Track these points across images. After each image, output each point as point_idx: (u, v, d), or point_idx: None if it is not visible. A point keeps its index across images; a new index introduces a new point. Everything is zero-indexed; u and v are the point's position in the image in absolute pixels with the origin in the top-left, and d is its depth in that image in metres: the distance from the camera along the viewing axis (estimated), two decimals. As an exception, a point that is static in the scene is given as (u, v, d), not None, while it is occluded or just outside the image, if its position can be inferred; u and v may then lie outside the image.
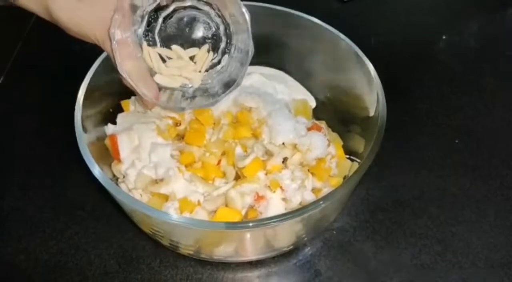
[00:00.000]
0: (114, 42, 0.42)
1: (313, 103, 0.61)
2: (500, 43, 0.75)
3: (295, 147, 0.50)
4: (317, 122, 0.55)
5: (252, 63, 0.61)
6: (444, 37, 0.76)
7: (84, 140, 0.44)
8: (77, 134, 0.44)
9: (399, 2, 0.83)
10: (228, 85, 0.47)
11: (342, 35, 0.53)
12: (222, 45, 0.47)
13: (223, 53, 0.48)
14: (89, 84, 0.48)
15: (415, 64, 0.72)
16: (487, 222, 0.54)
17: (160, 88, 0.47)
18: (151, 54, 0.46)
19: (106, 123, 0.52)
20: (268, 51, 0.61)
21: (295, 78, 0.62)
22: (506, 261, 0.51)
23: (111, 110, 0.53)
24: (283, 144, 0.50)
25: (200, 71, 0.48)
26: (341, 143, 0.55)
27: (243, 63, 0.46)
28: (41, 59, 0.69)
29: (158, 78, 0.46)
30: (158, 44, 0.47)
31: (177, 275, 0.49)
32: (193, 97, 0.48)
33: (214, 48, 0.48)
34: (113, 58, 0.43)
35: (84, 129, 0.45)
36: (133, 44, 0.44)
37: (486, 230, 0.53)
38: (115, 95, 0.53)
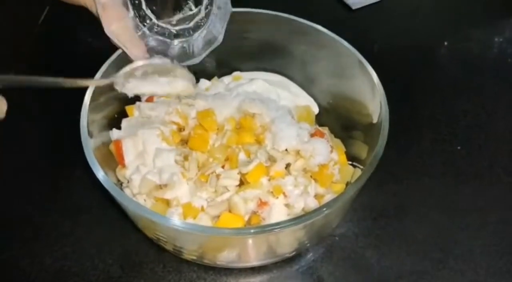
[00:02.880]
0: (100, 6, 0.42)
1: (316, 110, 0.61)
2: (502, 50, 0.76)
3: (298, 153, 0.50)
4: (320, 128, 0.55)
5: (255, 69, 0.63)
6: (446, 44, 0.77)
7: (90, 145, 0.44)
8: (82, 139, 0.44)
9: (401, 8, 0.83)
10: (210, 42, 0.48)
11: (344, 42, 0.53)
12: (205, 1, 0.48)
13: (206, 9, 0.48)
14: (95, 89, 0.48)
15: (417, 70, 0.72)
16: (489, 229, 0.54)
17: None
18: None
19: (111, 128, 0.52)
20: (271, 58, 0.62)
21: (298, 85, 0.62)
22: (508, 268, 0.51)
23: (116, 115, 0.54)
24: (286, 150, 0.50)
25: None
26: (344, 149, 0.55)
27: (223, 20, 0.47)
28: (48, 63, 0.70)
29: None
30: (143, 4, 0.47)
31: (180, 280, 0.49)
32: (178, 55, 0.48)
33: (197, 5, 0.48)
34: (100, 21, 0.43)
35: (90, 134, 0.45)
36: (120, 6, 0.44)
37: (488, 236, 0.53)
38: (120, 100, 0.54)
